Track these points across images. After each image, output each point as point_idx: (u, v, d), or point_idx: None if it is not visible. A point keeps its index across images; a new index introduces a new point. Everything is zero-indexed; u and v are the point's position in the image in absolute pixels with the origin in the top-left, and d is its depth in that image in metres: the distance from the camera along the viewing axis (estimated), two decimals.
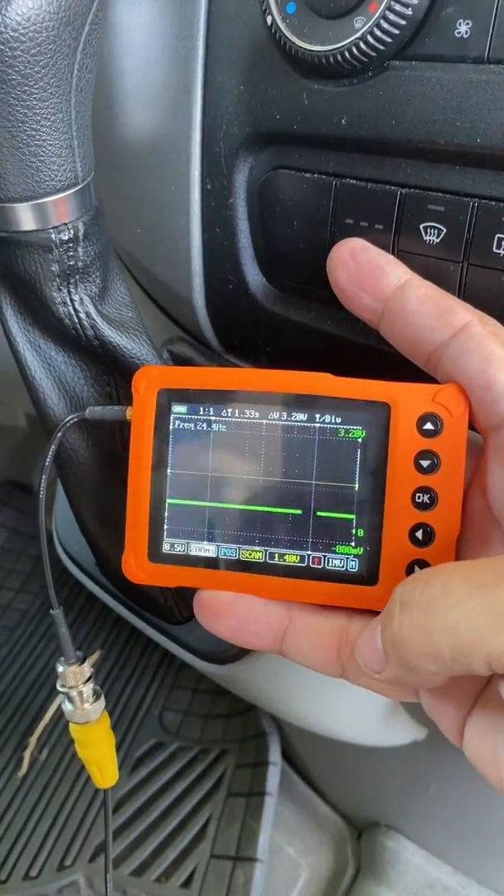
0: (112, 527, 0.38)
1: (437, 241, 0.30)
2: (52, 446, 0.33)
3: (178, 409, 0.30)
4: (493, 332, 0.27)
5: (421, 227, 0.30)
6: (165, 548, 0.31)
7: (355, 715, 0.52)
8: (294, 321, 0.36)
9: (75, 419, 0.33)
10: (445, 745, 0.61)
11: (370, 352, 0.33)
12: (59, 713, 0.98)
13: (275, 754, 0.88)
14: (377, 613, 0.26)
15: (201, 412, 0.30)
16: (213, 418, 0.30)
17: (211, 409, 0.30)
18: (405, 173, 0.31)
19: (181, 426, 0.30)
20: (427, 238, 0.30)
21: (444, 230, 0.30)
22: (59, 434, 0.33)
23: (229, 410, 0.30)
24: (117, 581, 0.40)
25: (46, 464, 0.32)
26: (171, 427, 0.30)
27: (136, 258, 0.43)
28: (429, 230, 0.30)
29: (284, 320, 0.36)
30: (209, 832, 0.85)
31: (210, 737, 0.96)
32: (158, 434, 0.30)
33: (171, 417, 0.30)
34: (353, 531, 0.29)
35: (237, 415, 0.30)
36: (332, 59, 0.29)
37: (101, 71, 0.38)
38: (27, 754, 0.94)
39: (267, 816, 0.84)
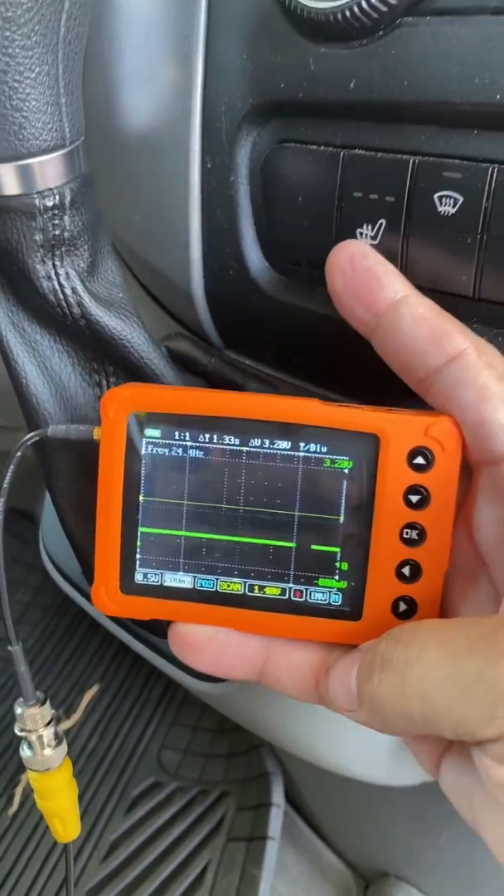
0: None
1: (453, 211, 0.28)
2: (12, 466, 0.31)
3: (152, 433, 0.28)
4: (490, 362, 0.25)
5: (435, 196, 0.28)
6: (138, 578, 0.29)
7: (363, 747, 0.48)
8: (298, 308, 0.33)
9: (36, 437, 0.31)
10: None
11: None
12: None
13: (278, 796, 0.84)
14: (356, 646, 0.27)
15: (177, 437, 0.28)
16: (189, 444, 0.28)
17: (187, 434, 0.28)
18: (418, 140, 0.28)
19: (155, 451, 0.28)
20: (442, 209, 0.28)
21: (461, 199, 0.27)
22: (19, 454, 0.31)
23: (207, 436, 0.28)
24: None
25: (4, 486, 0.30)
26: (143, 452, 0.28)
27: (134, 250, 0.41)
28: (444, 200, 0.28)
29: (288, 307, 0.34)
30: (207, 880, 0.80)
31: (210, 777, 0.91)
32: (130, 459, 0.28)
33: (144, 442, 0.28)
34: (338, 564, 0.27)
35: (216, 441, 0.28)
36: (340, 17, 0.27)
37: (99, 51, 0.37)
38: (19, 791, 0.90)
39: (268, 864, 0.79)
